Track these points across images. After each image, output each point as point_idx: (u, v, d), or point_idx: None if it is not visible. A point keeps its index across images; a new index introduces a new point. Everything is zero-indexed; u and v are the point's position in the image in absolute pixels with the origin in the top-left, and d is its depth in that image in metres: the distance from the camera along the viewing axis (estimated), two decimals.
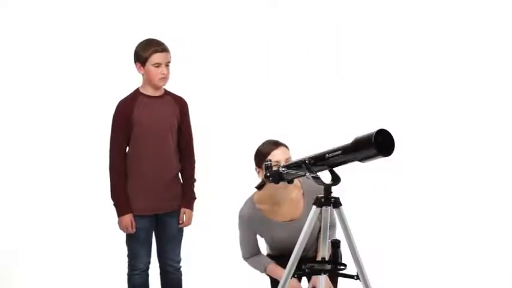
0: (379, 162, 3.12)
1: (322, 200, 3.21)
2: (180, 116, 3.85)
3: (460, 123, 5.39)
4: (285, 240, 3.60)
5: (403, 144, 3.38)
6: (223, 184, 5.26)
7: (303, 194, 3.67)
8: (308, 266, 3.28)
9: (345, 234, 3.22)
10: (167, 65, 3.76)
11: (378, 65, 5.43)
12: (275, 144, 3.61)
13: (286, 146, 3.64)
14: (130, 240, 3.87)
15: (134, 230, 3.81)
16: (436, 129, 5.40)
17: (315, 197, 3.22)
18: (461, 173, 5.35)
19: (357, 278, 3.25)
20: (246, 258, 3.74)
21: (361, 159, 3.08)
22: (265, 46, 5.33)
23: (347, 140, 3.11)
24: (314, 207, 3.22)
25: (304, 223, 3.27)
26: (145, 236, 3.86)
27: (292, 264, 3.25)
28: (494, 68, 5.39)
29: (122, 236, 3.94)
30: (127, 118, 3.75)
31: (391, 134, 3.03)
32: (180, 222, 3.91)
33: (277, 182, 3.31)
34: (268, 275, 3.76)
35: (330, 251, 3.22)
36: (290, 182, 3.41)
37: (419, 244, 5.23)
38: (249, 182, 3.77)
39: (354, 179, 4.04)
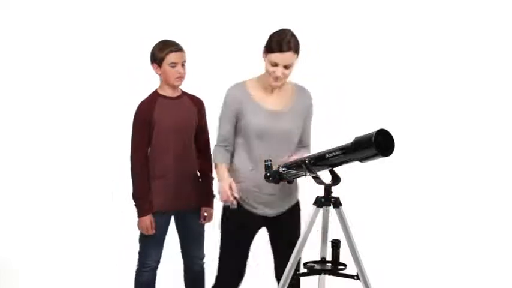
0: (379, 162, 3.12)
1: (322, 200, 3.22)
2: (198, 115, 3.92)
3: (460, 123, 5.39)
4: (263, 127, 3.46)
5: (403, 144, 3.39)
6: None
7: (295, 90, 3.61)
8: (308, 266, 3.29)
9: (345, 234, 3.23)
10: (183, 65, 3.82)
11: (378, 65, 5.42)
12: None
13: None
14: (145, 237, 3.88)
15: (154, 231, 3.84)
16: (436, 129, 5.40)
17: (305, 95, 3.53)
18: (461, 173, 5.35)
19: (357, 278, 3.26)
20: (215, 146, 3.59)
21: (361, 159, 3.09)
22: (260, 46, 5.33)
23: (347, 140, 3.11)
24: (314, 207, 3.23)
25: (289, 117, 3.47)
26: (160, 234, 3.89)
27: (292, 264, 3.26)
28: (494, 68, 5.39)
29: (123, 237, 3.94)
30: (148, 120, 3.79)
31: (391, 134, 3.04)
32: (202, 220, 3.96)
33: (277, 182, 3.31)
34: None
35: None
36: (290, 182, 3.41)
37: (419, 244, 5.23)
38: None
39: (354, 179, 4.04)
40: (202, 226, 4.00)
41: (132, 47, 5.36)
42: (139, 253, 3.94)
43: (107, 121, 5.39)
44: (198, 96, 3.99)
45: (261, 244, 3.82)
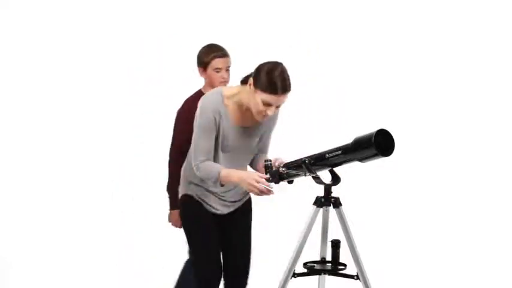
0: (379, 162, 3.12)
1: (322, 200, 3.22)
2: None
3: (460, 123, 5.39)
4: (232, 143, 3.38)
5: (403, 144, 3.39)
6: None
7: None
8: (308, 266, 3.29)
9: (345, 234, 3.23)
10: (227, 70, 3.90)
11: (378, 65, 5.43)
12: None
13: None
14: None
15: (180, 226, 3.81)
16: (436, 129, 5.40)
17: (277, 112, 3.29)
18: (461, 173, 5.35)
19: (357, 278, 3.26)
20: (201, 161, 3.30)
21: (361, 159, 3.09)
22: (265, 46, 5.33)
23: (347, 140, 3.12)
24: (314, 207, 3.23)
25: (257, 133, 3.37)
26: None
27: (292, 264, 3.26)
28: (494, 68, 5.39)
29: (123, 237, 3.94)
30: (191, 117, 3.71)
31: (391, 134, 3.04)
32: None
33: (277, 182, 3.31)
34: (220, 182, 3.35)
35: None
36: (290, 182, 3.41)
37: (419, 244, 5.23)
38: None
39: (354, 179, 4.04)
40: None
41: (132, 47, 5.37)
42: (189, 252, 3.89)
43: (107, 121, 5.39)
44: None
45: (262, 244, 3.82)
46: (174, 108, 3.97)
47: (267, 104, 3.20)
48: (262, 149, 3.55)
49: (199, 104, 3.35)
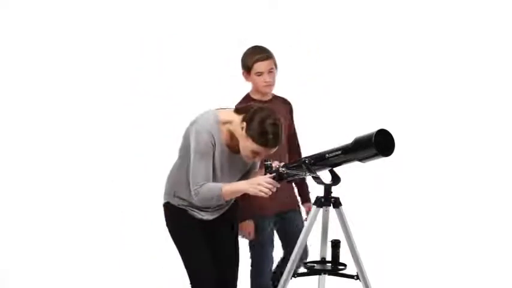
0: (379, 162, 3.12)
1: (322, 200, 3.22)
2: (289, 117, 3.92)
3: (460, 123, 5.39)
4: (222, 167, 3.33)
5: (404, 144, 3.39)
6: None
7: None
8: (308, 266, 3.29)
9: (345, 234, 3.23)
10: (270, 72, 3.77)
11: (378, 65, 5.43)
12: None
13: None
14: (254, 245, 3.84)
15: (253, 236, 3.81)
16: (436, 129, 5.40)
17: None
18: (462, 173, 5.35)
19: (357, 278, 3.26)
20: (202, 185, 3.25)
21: (361, 159, 3.09)
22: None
23: (347, 140, 3.11)
24: (314, 207, 3.23)
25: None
26: (264, 238, 3.84)
27: (292, 264, 3.26)
28: (494, 68, 5.39)
29: (123, 237, 3.93)
30: None
31: (391, 134, 3.04)
32: (305, 219, 3.85)
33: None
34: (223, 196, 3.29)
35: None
36: (290, 182, 3.40)
37: (419, 244, 5.23)
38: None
39: (354, 179, 4.03)
40: (303, 224, 3.76)
41: (132, 47, 5.37)
42: (251, 258, 3.90)
43: (107, 121, 5.39)
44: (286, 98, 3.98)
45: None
46: (174, 108, 3.96)
47: (256, 153, 3.20)
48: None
49: (194, 127, 3.27)
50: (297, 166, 3.24)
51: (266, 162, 3.27)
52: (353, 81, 5.46)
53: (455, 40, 5.41)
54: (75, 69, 5.43)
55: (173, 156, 3.60)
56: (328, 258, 3.30)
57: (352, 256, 3.24)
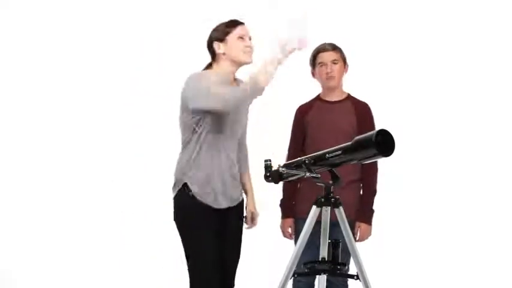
0: (380, 162, 3.12)
1: (322, 200, 3.22)
2: (357, 120, 3.96)
3: (460, 124, 5.39)
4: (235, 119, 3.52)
5: (404, 144, 3.39)
6: None
7: None
8: (308, 266, 3.29)
9: (345, 234, 3.23)
10: (335, 63, 4.04)
11: (378, 65, 5.42)
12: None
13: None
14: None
15: (292, 236, 3.85)
16: (437, 129, 5.39)
17: None
18: (462, 173, 5.34)
19: (357, 278, 3.25)
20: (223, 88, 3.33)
21: (361, 159, 3.09)
22: (265, 46, 5.33)
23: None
24: (314, 207, 3.22)
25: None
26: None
27: (292, 264, 3.26)
28: (494, 68, 5.39)
29: (123, 237, 3.93)
30: (301, 121, 3.93)
31: (392, 134, 3.04)
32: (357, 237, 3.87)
33: (276, 182, 3.31)
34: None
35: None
36: (290, 182, 3.41)
37: (419, 244, 5.23)
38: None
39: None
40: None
41: (132, 47, 5.37)
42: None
43: (107, 121, 5.39)
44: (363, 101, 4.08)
45: (262, 244, 3.82)
46: (174, 108, 3.95)
47: (242, 39, 3.48)
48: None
49: (192, 75, 3.45)
50: (297, 166, 3.24)
51: (266, 162, 3.27)
52: (353, 81, 5.45)
53: (455, 40, 5.40)
54: (75, 69, 5.43)
55: (173, 156, 3.60)
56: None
57: (352, 256, 3.24)
